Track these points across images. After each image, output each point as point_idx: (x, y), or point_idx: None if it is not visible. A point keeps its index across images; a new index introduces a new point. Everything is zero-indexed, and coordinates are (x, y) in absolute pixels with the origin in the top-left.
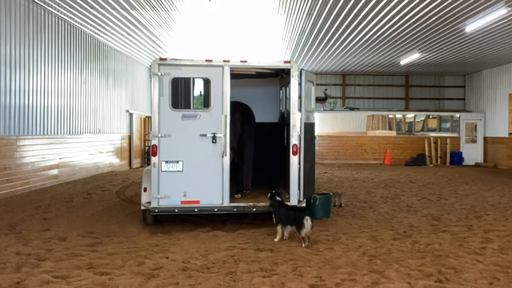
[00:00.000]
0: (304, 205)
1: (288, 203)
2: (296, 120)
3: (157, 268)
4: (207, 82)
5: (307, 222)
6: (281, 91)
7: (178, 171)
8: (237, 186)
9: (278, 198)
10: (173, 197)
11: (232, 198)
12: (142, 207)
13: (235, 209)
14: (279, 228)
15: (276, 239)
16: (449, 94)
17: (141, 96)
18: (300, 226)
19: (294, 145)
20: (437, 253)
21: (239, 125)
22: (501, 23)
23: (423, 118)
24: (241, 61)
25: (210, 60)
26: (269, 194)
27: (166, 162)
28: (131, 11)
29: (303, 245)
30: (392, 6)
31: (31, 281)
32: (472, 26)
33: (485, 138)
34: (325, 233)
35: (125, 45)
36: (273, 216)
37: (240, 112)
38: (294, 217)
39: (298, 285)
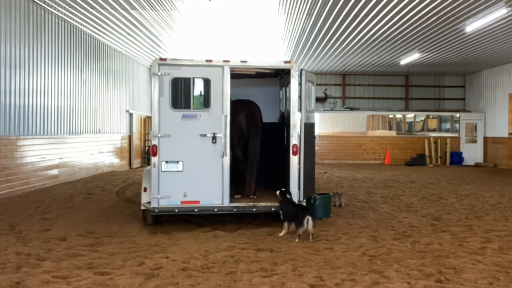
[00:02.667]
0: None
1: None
2: (296, 120)
3: (157, 268)
4: (207, 82)
5: (308, 222)
6: (281, 91)
7: (178, 171)
8: (241, 188)
9: (287, 195)
10: (173, 197)
11: (232, 198)
12: (142, 207)
13: (235, 209)
14: (286, 224)
15: (281, 234)
16: (449, 94)
17: (141, 96)
18: (299, 224)
19: (294, 145)
20: (437, 253)
21: (245, 125)
22: (501, 23)
23: (423, 118)
24: (241, 61)
25: (210, 60)
26: (278, 191)
27: (166, 162)
28: (131, 11)
29: (297, 240)
30: (392, 6)
31: (31, 281)
32: (472, 26)
33: (485, 138)
34: (325, 233)
35: (125, 45)
36: (280, 212)
37: (247, 112)
38: (296, 214)
39: (298, 285)
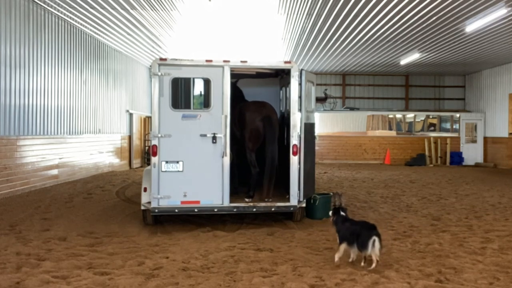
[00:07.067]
0: (304, 205)
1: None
2: (296, 120)
3: (157, 268)
4: (207, 82)
5: (374, 243)
6: (281, 91)
7: (178, 171)
8: (253, 192)
9: (342, 212)
10: (173, 197)
11: (243, 201)
12: (142, 207)
13: (235, 209)
14: (342, 247)
15: (336, 259)
16: (449, 94)
17: (141, 96)
18: (363, 246)
19: (294, 145)
20: (437, 253)
21: (262, 129)
22: (501, 23)
23: (423, 118)
24: (241, 61)
25: (210, 60)
26: (331, 211)
27: (166, 162)
28: (131, 11)
29: (362, 263)
30: (392, 6)
31: (31, 281)
32: (472, 26)
33: (485, 138)
34: (325, 233)
35: (125, 45)
36: (337, 234)
37: (264, 115)
38: (358, 234)
39: (298, 285)
